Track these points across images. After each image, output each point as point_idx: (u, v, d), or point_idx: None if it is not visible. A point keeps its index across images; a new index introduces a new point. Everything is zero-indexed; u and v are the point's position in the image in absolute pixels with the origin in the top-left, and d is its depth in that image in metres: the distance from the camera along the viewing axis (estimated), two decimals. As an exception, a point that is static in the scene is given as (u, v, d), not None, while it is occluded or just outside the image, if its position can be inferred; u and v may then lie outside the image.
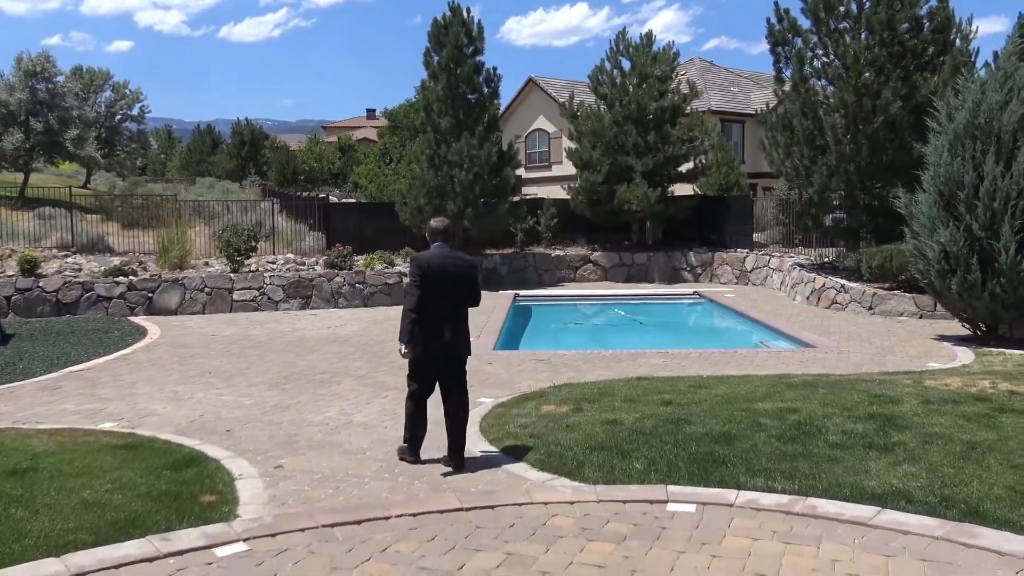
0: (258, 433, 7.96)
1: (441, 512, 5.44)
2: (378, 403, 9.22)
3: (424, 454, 6.98)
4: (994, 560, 4.63)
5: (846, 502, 5.49)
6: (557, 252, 24.69)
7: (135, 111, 53.72)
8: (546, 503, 5.57)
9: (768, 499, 5.56)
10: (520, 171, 25.29)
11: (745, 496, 5.60)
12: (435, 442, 7.13)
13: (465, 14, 22.43)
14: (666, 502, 5.55)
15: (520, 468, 6.59)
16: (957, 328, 14.23)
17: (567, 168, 30.68)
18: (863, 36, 18.01)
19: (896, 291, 16.47)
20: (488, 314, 16.91)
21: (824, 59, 18.85)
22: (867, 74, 17.71)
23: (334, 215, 24.62)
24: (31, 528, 5.19)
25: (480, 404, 8.97)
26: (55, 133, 35.94)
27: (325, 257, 20.26)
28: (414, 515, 5.40)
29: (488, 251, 23.84)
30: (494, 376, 10.71)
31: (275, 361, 12.08)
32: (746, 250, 23.75)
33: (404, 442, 7.02)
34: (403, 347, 6.70)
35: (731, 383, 9.62)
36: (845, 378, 9.97)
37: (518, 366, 11.41)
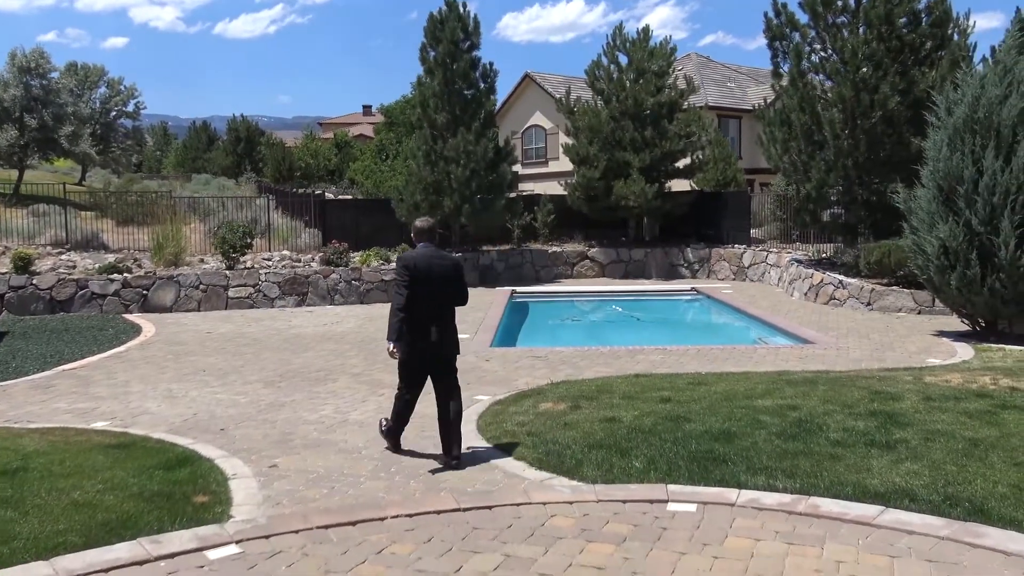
0: (253, 432, 7.87)
1: (438, 513, 5.35)
2: (374, 401, 9.13)
3: (421, 449, 6.98)
4: (1000, 560, 4.55)
5: (849, 501, 5.41)
6: (554, 248, 24.59)
7: (130, 108, 53.54)
8: (544, 503, 5.48)
9: (770, 498, 5.47)
10: (517, 167, 25.16)
11: (746, 495, 5.52)
12: (433, 440, 7.06)
13: (461, 9, 22.30)
14: (666, 502, 5.46)
15: (518, 467, 6.50)
16: (956, 324, 14.17)
17: (564, 164, 30.60)
18: (861, 30, 17.92)
19: (894, 287, 16.41)
20: (485, 311, 16.84)
21: (822, 54, 18.76)
22: (865, 69, 17.62)
23: (330, 212, 24.50)
24: (20, 530, 5.10)
25: (477, 402, 8.90)
26: (50, 130, 35.76)
27: (321, 254, 20.17)
28: (410, 516, 5.31)
29: (485, 247, 23.73)
30: (491, 373, 10.63)
31: (270, 359, 11.98)
32: (744, 246, 23.67)
33: (390, 422, 7.15)
34: (391, 346, 6.70)
35: (730, 380, 9.53)
36: (845, 375, 9.89)
37: (515, 363, 11.33)
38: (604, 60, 25.09)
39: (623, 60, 24.92)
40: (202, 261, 19.61)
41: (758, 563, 4.60)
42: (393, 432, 7.16)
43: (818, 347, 12.52)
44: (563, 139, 27.73)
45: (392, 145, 52.80)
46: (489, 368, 11.00)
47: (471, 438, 7.37)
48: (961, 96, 13.05)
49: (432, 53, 22.34)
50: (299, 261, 19.92)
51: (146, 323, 15.44)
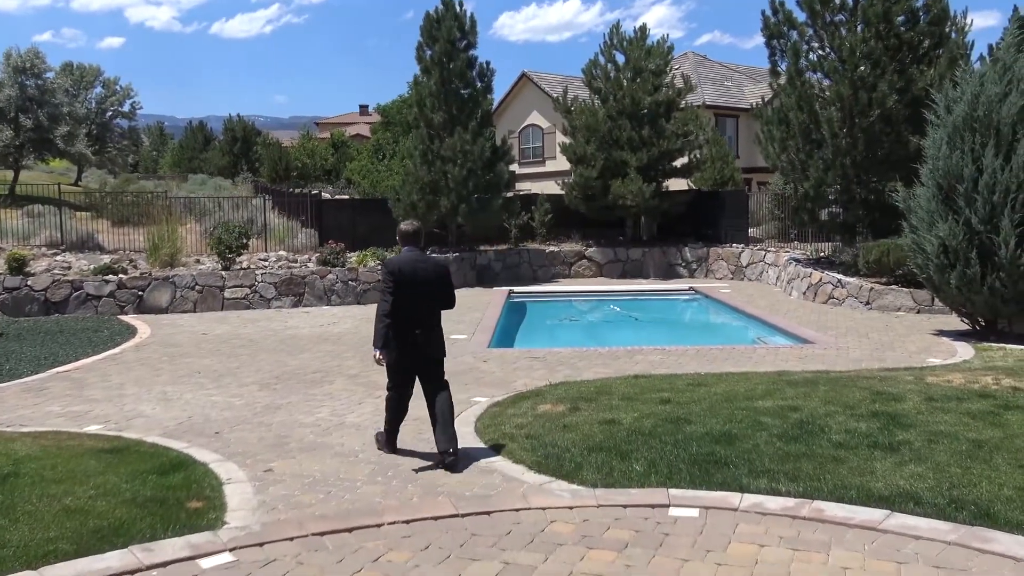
0: (248, 435, 7.77)
1: (435, 519, 5.26)
2: (371, 403, 9.03)
3: (419, 452, 6.93)
4: (1010, 566, 4.47)
5: (854, 505, 5.33)
6: (551, 248, 24.50)
7: (126, 107, 53.43)
8: (544, 508, 5.39)
9: (773, 502, 5.39)
10: (514, 167, 25.08)
11: (749, 499, 5.43)
12: (430, 443, 6.97)
13: (458, 8, 22.22)
14: (668, 506, 5.37)
15: (517, 470, 6.42)
16: (955, 323, 14.10)
17: (561, 163, 30.50)
18: (859, 29, 17.85)
19: (893, 286, 16.33)
20: (482, 311, 16.76)
21: (820, 52, 18.69)
22: (863, 67, 17.56)
23: (327, 212, 24.39)
24: (10, 537, 5.01)
25: (475, 404, 8.81)
26: (45, 130, 35.67)
27: (318, 254, 20.06)
28: (407, 522, 5.21)
29: (482, 247, 23.64)
30: (489, 375, 10.54)
31: (266, 360, 11.89)
32: (741, 245, 23.61)
33: (384, 430, 7.14)
34: (378, 353, 6.72)
35: (730, 380, 9.45)
36: (845, 375, 9.81)
37: (513, 364, 11.24)
38: (601, 59, 25.01)
39: (620, 59, 24.83)
40: (198, 262, 19.51)
41: (763, 570, 4.51)
42: (388, 434, 7.11)
43: (818, 347, 12.45)
44: (560, 138, 27.64)
45: (389, 145, 52.68)
46: (487, 369, 10.92)
47: (469, 440, 7.30)
48: (960, 94, 12.98)
49: (428, 52, 22.26)
50: (295, 261, 19.82)
51: (141, 324, 15.34)
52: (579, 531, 5.07)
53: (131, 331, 14.64)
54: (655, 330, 16.95)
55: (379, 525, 5.17)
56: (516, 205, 23.95)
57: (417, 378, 6.93)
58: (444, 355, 7.03)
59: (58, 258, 19.56)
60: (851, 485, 5.73)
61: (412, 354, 6.78)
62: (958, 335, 13.24)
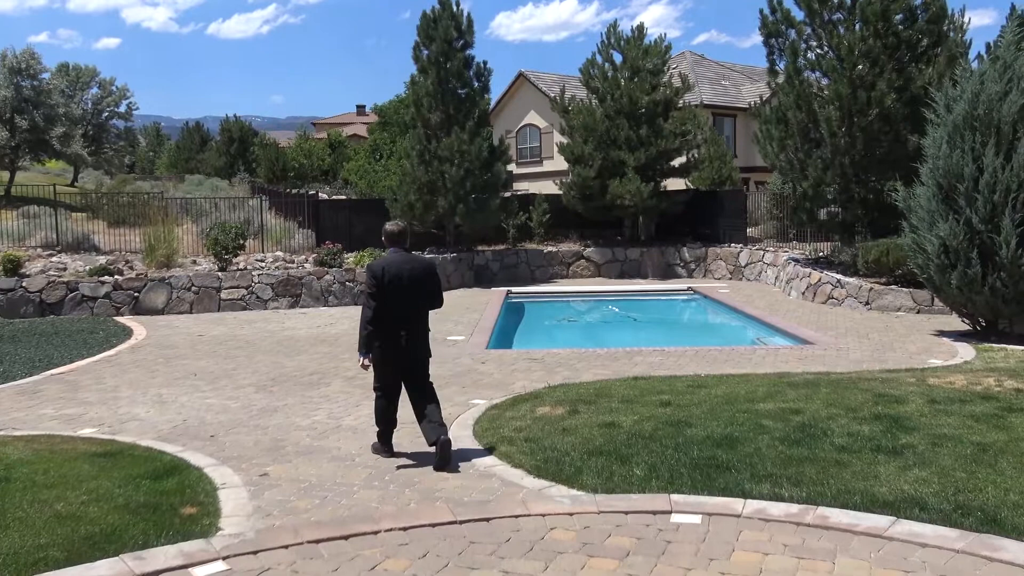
0: (244, 438, 7.68)
1: (433, 526, 5.15)
2: (368, 405, 8.87)
3: (417, 454, 6.88)
4: None
5: (858, 511, 5.23)
6: (549, 248, 24.43)
7: (122, 108, 53.33)
8: (544, 515, 5.29)
9: (777, 508, 5.29)
10: (511, 167, 25.01)
11: (753, 505, 5.34)
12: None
13: (455, 7, 22.14)
14: (670, 512, 5.27)
15: (515, 475, 6.32)
16: (956, 323, 14.03)
17: (559, 163, 30.42)
18: (857, 27, 17.77)
19: (893, 286, 16.26)
20: (480, 312, 16.68)
21: (818, 51, 18.62)
22: (861, 66, 17.49)
23: (324, 212, 24.30)
24: (0, 545, 4.91)
25: (473, 406, 8.73)
26: (41, 131, 35.55)
27: (315, 255, 19.97)
28: (404, 529, 5.10)
29: (480, 247, 23.57)
30: (487, 376, 10.45)
31: (263, 362, 11.80)
32: (740, 245, 23.53)
33: (377, 433, 7.08)
34: (363, 359, 6.79)
35: (730, 382, 9.37)
36: (846, 376, 9.73)
37: (511, 365, 11.15)
38: (599, 58, 24.92)
39: (617, 58, 24.75)
40: (194, 263, 19.40)
41: (767, 578, 4.43)
42: (383, 436, 7.05)
43: (818, 347, 12.37)
44: (558, 138, 27.57)
45: (386, 145, 52.58)
46: (485, 371, 10.83)
47: (467, 443, 7.22)
48: (960, 92, 12.90)
49: (425, 52, 22.19)
50: (292, 262, 19.71)
51: (137, 326, 15.24)
52: (580, 538, 4.97)
53: (127, 333, 14.54)
54: (654, 331, 16.88)
55: (376, 532, 5.07)
56: (514, 205, 23.86)
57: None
58: (430, 355, 7.05)
59: (53, 259, 19.44)
60: (855, 490, 5.65)
61: (399, 354, 6.78)
62: (959, 335, 13.16)
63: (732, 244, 23.78)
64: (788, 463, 6.26)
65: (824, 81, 18.60)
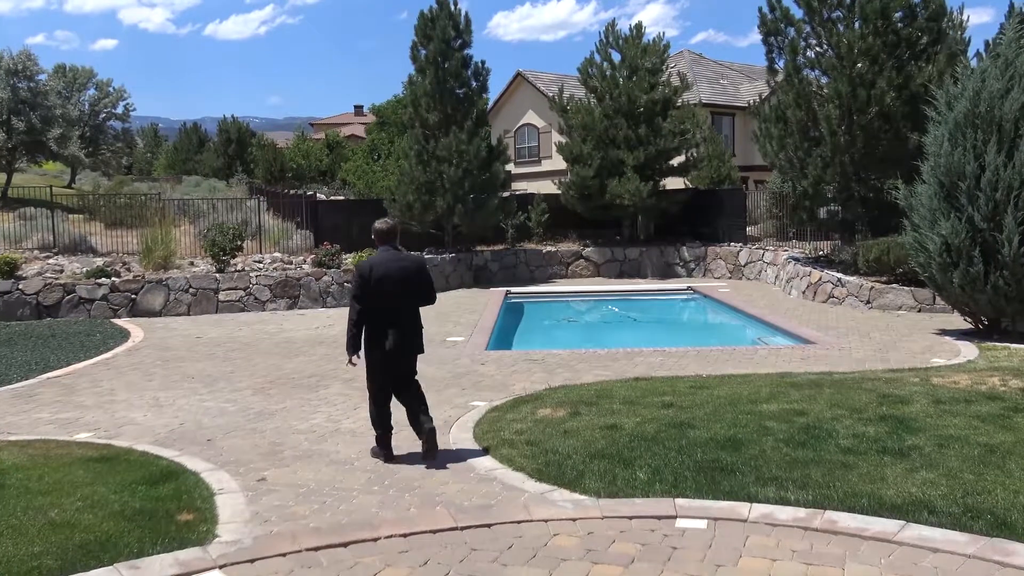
0: (241, 442, 7.59)
1: (434, 532, 5.05)
2: (366, 408, 8.81)
3: (415, 457, 6.83)
4: (1032, 580, 4.30)
5: (866, 515, 5.13)
6: (548, 248, 24.35)
7: (119, 109, 53.14)
8: (546, 520, 5.19)
9: (784, 513, 5.20)
10: (510, 166, 24.93)
11: (759, 510, 5.24)
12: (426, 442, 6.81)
13: (452, 6, 22.07)
14: (675, 517, 5.18)
15: (517, 478, 6.24)
16: (958, 322, 13.95)
17: (557, 163, 30.33)
18: (856, 25, 17.71)
19: (894, 284, 16.18)
20: (479, 312, 16.59)
21: (817, 49, 18.57)
22: (861, 64, 17.42)
23: (322, 213, 24.19)
24: (-7, 554, 4.83)
25: (473, 408, 8.65)
26: (38, 132, 35.39)
27: (313, 256, 19.87)
28: (404, 536, 5.01)
29: (479, 248, 23.49)
30: (487, 378, 10.36)
31: (261, 364, 11.70)
32: (740, 244, 23.45)
33: (375, 436, 7.01)
34: (351, 357, 6.87)
35: (732, 383, 9.29)
36: (849, 376, 9.64)
37: (511, 367, 11.07)
38: (597, 57, 24.84)
39: (616, 57, 24.66)
40: (192, 264, 19.30)
41: (776, 586, 4.34)
42: (381, 440, 6.97)
43: (819, 347, 12.29)
44: (556, 138, 27.49)
45: (384, 145, 52.49)
46: (485, 372, 10.74)
47: (469, 446, 7.15)
48: (961, 90, 12.82)
49: (423, 51, 22.11)
50: (291, 263, 19.61)
51: (134, 328, 15.14)
52: (583, 545, 4.88)
53: (124, 335, 14.44)
54: (654, 331, 16.80)
55: (376, 539, 4.97)
56: (512, 205, 23.78)
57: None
58: (421, 351, 7.05)
59: (50, 261, 19.33)
60: (862, 493, 5.56)
61: (390, 352, 6.77)
62: (961, 334, 13.09)
63: (732, 243, 23.70)
64: (793, 465, 6.18)
65: (824, 79, 18.54)
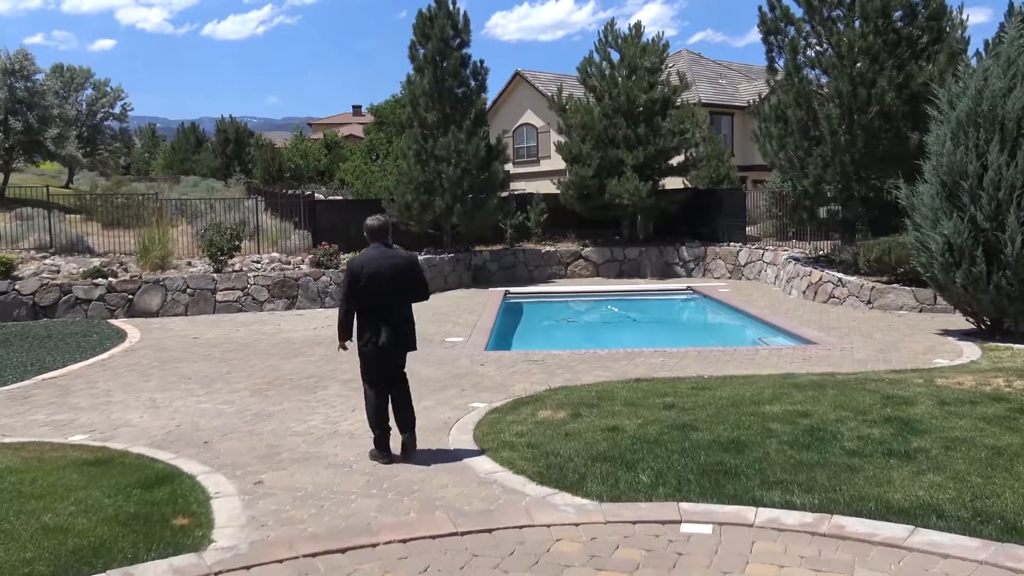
0: (238, 444, 7.49)
1: (434, 538, 4.95)
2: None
3: (415, 459, 6.78)
4: (1044, 586, 4.21)
5: (874, 520, 5.04)
6: (547, 248, 24.26)
7: (117, 109, 52.97)
8: (549, 525, 5.09)
9: (790, 517, 5.10)
10: (508, 166, 24.83)
11: (765, 514, 5.14)
12: (427, 450, 6.71)
13: (451, 5, 21.97)
14: (679, 522, 5.08)
15: (518, 482, 6.14)
16: (960, 322, 13.88)
17: (556, 163, 30.24)
18: (857, 24, 17.63)
19: (895, 284, 16.10)
20: (478, 313, 16.50)
21: (818, 48, 18.49)
22: (861, 63, 17.34)
23: (320, 213, 24.08)
24: (-17, 560, 4.73)
25: (473, 409, 8.56)
26: (35, 132, 35.21)
27: (311, 256, 19.77)
28: (404, 542, 4.91)
29: (477, 247, 23.41)
30: (487, 379, 10.27)
31: (258, 365, 11.60)
32: (739, 244, 23.37)
33: (373, 437, 6.94)
34: (343, 343, 7.00)
35: (734, 384, 9.20)
36: (852, 377, 9.56)
37: (511, 367, 10.97)
38: (596, 57, 24.75)
39: (615, 56, 24.57)
40: (190, 264, 19.20)
41: (783, 592, 4.24)
42: (380, 441, 6.89)
43: (821, 347, 12.21)
44: (555, 137, 27.39)
45: (382, 145, 52.37)
46: (484, 373, 10.65)
47: (468, 448, 7.05)
48: (964, 89, 12.74)
49: (421, 51, 22.01)
50: (289, 263, 19.51)
51: (131, 329, 15.04)
52: (587, 550, 4.78)
53: (120, 335, 14.34)
54: (654, 331, 16.72)
55: (374, 545, 4.87)
56: (511, 205, 23.69)
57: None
58: (414, 348, 7.04)
59: (47, 261, 19.22)
60: (869, 497, 5.47)
61: (383, 348, 6.75)
62: (963, 335, 13.00)
63: (731, 243, 23.62)
64: (798, 468, 6.09)
65: (824, 79, 18.46)
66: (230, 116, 67.97)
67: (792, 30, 18.54)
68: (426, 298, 7.08)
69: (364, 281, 6.70)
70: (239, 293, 17.51)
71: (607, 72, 24.44)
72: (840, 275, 17.20)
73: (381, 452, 6.86)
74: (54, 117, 36.41)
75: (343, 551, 4.80)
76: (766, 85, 20.69)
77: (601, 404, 8.32)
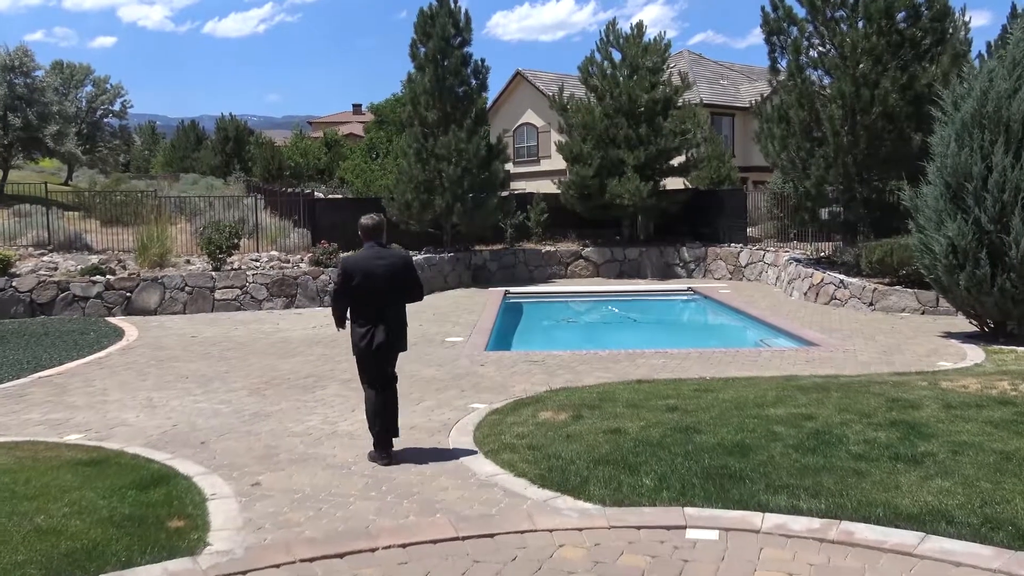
0: (235, 445, 7.40)
1: (434, 542, 4.84)
2: (364, 410, 8.64)
3: (414, 460, 6.66)
4: (1059, 596, 4.11)
5: (883, 526, 4.94)
6: (548, 248, 24.17)
7: (117, 106, 52.98)
8: (551, 530, 4.98)
9: (798, 523, 5.00)
10: (509, 166, 24.74)
11: (772, 520, 5.04)
12: (427, 451, 6.61)
13: (452, 4, 21.87)
14: (684, 528, 4.98)
15: (519, 485, 6.05)
16: (962, 324, 13.78)
17: (556, 162, 30.15)
18: (860, 25, 17.53)
19: (897, 286, 16.01)
20: (478, 313, 16.41)
21: (820, 48, 18.38)
22: (864, 64, 17.24)
23: (320, 211, 23.97)
24: (-26, 562, 4.64)
25: (473, 410, 8.46)
26: (34, 129, 35.15)
27: (310, 254, 19.68)
28: (403, 546, 4.80)
29: (477, 247, 23.31)
30: (487, 379, 10.17)
31: (256, 364, 11.51)
32: (740, 245, 23.28)
33: (373, 438, 6.88)
34: (339, 328, 7.08)
35: (737, 386, 9.11)
36: (856, 380, 9.46)
37: (511, 368, 10.88)
38: (597, 56, 24.65)
39: (616, 56, 24.48)
40: (188, 262, 19.10)
41: (791, 600, 4.14)
42: (379, 442, 6.81)
43: (823, 349, 12.12)
44: (555, 137, 27.32)
45: (382, 144, 52.36)
46: (484, 373, 10.55)
47: (468, 450, 6.96)
48: (968, 90, 12.65)
49: (422, 49, 21.92)
50: (288, 262, 19.42)
51: (129, 327, 14.94)
52: (590, 557, 4.68)
53: (118, 334, 14.24)
54: (654, 332, 16.63)
55: (373, 550, 4.76)
56: (512, 204, 23.60)
57: None
58: (404, 349, 6.99)
59: (45, 258, 19.13)
60: (876, 502, 5.37)
61: (378, 347, 6.71)
62: (966, 337, 12.91)
63: (732, 244, 23.52)
64: (804, 472, 5.99)
65: (826, 79, 18.37)
66: (230, 114, 67.92)
67: (795, 30, 18.45)
68: (420, 298, 7.04)
69: (358, 280, 6.67)
70: (238, 291, 17.41)
71: (608, 72, 24.35)
72: (842, 277, 17.11)
73: (380, 453, 6.77)
74: (53, 114, 36.35)
75: (341, 556, 4.70)
76: (768, 85, 20.61)
77: (603, 406, 8.22)
